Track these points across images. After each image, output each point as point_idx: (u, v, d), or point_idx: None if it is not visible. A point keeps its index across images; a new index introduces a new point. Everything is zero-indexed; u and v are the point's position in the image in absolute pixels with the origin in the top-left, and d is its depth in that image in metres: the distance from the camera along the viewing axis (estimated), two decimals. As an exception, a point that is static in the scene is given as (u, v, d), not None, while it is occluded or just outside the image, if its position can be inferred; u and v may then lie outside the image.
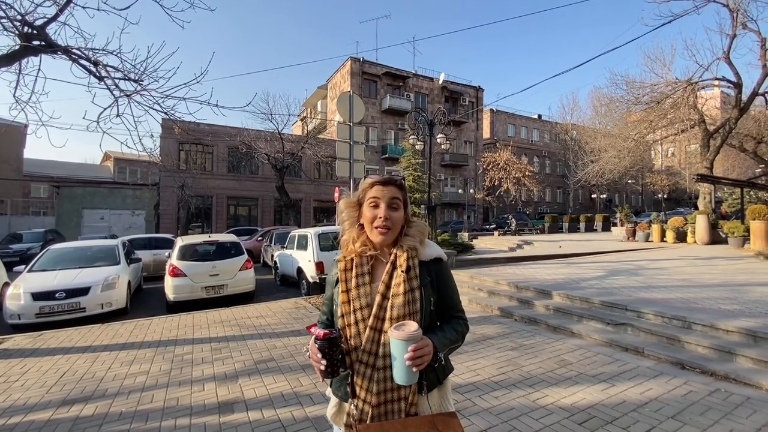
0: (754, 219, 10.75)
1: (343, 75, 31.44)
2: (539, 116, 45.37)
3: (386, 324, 1.17)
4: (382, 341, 1.17)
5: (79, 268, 7.30)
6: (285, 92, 62.42)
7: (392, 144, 31.74)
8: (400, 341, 1.05)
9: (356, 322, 1.20)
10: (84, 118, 5.25)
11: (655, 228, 15.16)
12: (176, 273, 7.46)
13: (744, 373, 3.40)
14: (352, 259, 1.27)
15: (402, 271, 1.21)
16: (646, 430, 2.69)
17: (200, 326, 5.82)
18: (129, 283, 7.73)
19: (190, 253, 8.00)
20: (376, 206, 1.23)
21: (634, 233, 15.82)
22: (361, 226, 1.29)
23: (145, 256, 11.05)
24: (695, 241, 13.57)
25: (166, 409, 3.22)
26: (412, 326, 1.09)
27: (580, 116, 35.40)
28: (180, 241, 8.27)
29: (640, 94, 16.43)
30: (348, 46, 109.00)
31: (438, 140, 11.62)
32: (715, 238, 13.26)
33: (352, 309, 1.22)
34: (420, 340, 1.07)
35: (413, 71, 33.48)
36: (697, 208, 16.61)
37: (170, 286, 7.39)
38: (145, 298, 9.02)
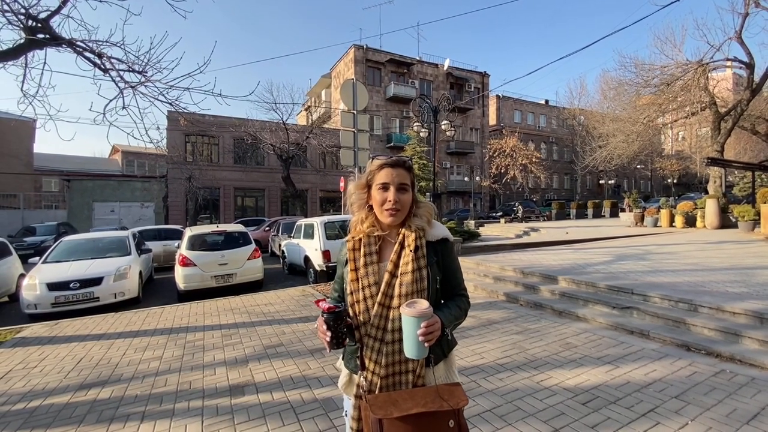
0: (765, 202, 10.58)
1: (347, 63, 31.15)
2: (546, 102, 44.71)
3: (395, 301, 1.22)
4: (390, 317, 1.22)
5: (92, 259, 7.46)
6: (289, 82, 62.26)
7: (397, 132, 31.54)
8: (413, 318, 1.10)
9: (365, 299, 1.25)
10: (90, 110, 5.29)
11: (664, 213, 15.00)
12: (186, 263, 7.59)
13: (750, 354, 3.41)
14: (360, 239, 1.31)
15: (411, 251, 1.24)
16: (649, 410, 2.72)
17: (211, 314, 5.94)
18: (140, 273, 7.88)
19: (199, 243, 8.12)
20: (386, 189, 1.25)
21: (642, 219, 15.68)
22: (370, 207, 1.32)
23: (156, 247, 11.21)
24: (705, 226, 13.41)
25: (180, 392, 3.33)
26: (423, 304, 1.14)
27: (587, 101, 34.80)
28: (189, 232, 8.39)
29: (649, 77, 16.07)
30: (351, 33, 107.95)
31: (443, 127, 11.53)
32: (725, 222, 13.09)
33: (360, 286, 1.26)
34: (431, 317, 1.12)
35: (418, 58, 33.05)
36: (707, 193, 16.37)
37: (180, 276, 7.53)
38: (157, 288, 9.21)
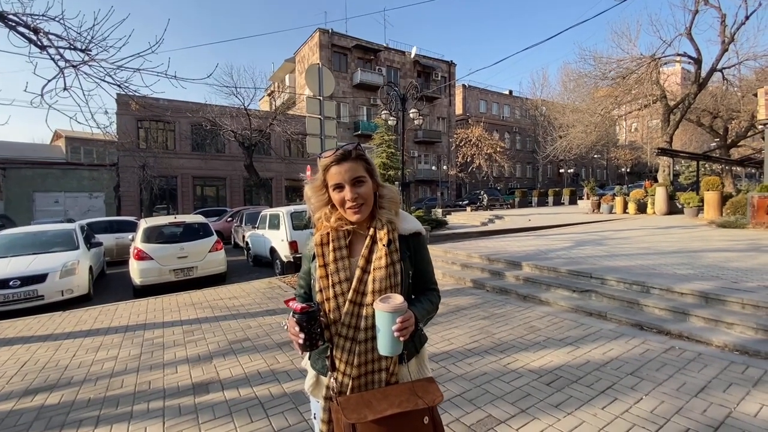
0: (708, 190, 11.43)
1: (312, 47, 30.31)
2: (510, 92, 45.77)
3: (367, 298, 1.16)
4: (363, 314, 1.16)
5: (34, 254, 6.88)
6: (250, 65, 59.40)
7: (365, 120, 31.24)
8: (387, 313, 1.05)
9: (335, 296, 1.18)
10: (26, 91, 4.79)
11: (618, 200, 15.87)
12: (141, 256, 7.17)
13: (696, 331, 3.66)
14: (328, 233, 1.23)
15: (383, 245, 1.19)
16: (608, 387, 2.86)
17: (170, 309, 5.66)
18: (90, 268, 7.37)
19: (155, 236, 7.68)
20: (341, 189, 1.18)
21: (599, 206, 16.52)
22: (334, 205, 1.24)
23: (107, 240, 10.56)
24: (654, 212, 14.33)
25: (138, 393, 3.14)
26: (398, 299, 1.09)
27: (549, 92, 35.88)
28: (144, 224, 7.91)
29: (606, 70, 16.81)
30: (316, 17, 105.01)
31: (411, 116, 11.50)
32: (673, 208, 14.04)
33: (330, 283, 1.19)
34: (405, 312, 1.07)
35: (385, 44, 32.70)
36: (656, 181, 17.48)
37: (136, 270, 7.11)
38: (110, 284, 8.66)
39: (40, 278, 6.25)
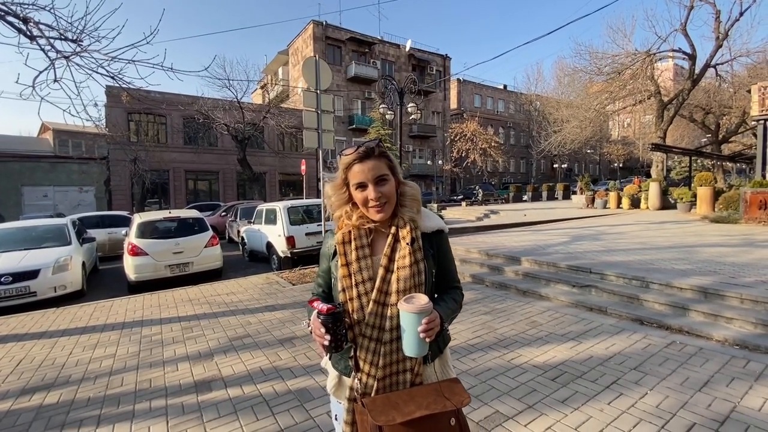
0: (700, 185, 11.55)
1: (305, 40, 29.96)
2: (505, 87, 45.74)
3: (392, 297, 1.14)
4: (387, 315, 1.14)
5: (25, 249, 6.74)
6: (243, 57, 58.50)
7: (359, 114, 31.03)
8: (413, 314, 1.03)
9: (359, 296, 1.15)
10: (17, 82, 4.64)
11: (612, 195, 16.01)
12: (136, 252, 7.06)
13: (696, 326, 3.70)
14: (350, 231, 1.20)
15: (407, 244, 1.16)
16: (612, 382, 2.87)
17: (167, 306, 5.59)
18: (83, 264, 7.25)
19: (150, 231, 7.57)
20: (364, 188, 1.15)
21: (593, 201, 16.64)
22: (355, 203, 1.22)
23: (100, 234, 10.37)
24: (647, 207, 14.47)
25: (139, 391, 3.09)
26: (423, 299, 1.07)
27: (544, 87, 36.01)
28: (138, 218, 7.79)
29: (602, 65, 16.86)
30: (309, 8, 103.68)
31: (409, 110, 11.43)
32: (665, 203, 14.19)
33: (353, 283, 1.16)
34: (431, 313, 1.05)
35: (379, 37, 32.42)
36: (648, 176, 17.64)
37: (131, 266, 7.01)
38: (103, 279, 8.53)
39: (33, 274, 6.13)
